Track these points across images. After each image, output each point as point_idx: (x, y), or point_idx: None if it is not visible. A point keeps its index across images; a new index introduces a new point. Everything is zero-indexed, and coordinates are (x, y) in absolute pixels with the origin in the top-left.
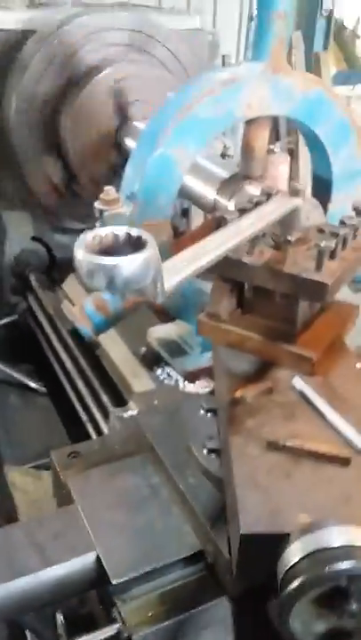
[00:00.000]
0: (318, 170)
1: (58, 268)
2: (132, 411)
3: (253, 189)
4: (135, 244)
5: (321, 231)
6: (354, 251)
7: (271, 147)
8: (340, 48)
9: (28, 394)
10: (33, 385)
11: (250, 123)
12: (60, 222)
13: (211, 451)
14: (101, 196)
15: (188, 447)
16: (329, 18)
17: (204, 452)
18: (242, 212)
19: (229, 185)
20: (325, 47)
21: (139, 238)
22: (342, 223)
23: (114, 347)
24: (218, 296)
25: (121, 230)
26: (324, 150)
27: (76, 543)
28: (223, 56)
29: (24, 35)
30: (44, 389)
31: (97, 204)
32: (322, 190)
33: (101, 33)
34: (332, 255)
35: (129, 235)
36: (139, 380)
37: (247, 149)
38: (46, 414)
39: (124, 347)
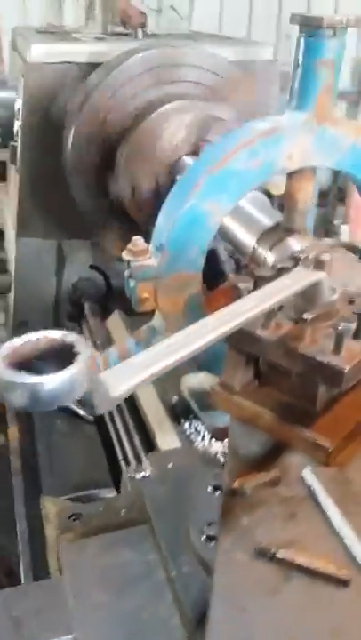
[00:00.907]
0: None
1: (114, 297)
2: (145, 472)
3: (296, 243)
4: (66, 354)
5: (352, 302)
6: None
7: None
8: None
9: (75, 421)
10: (81, 412)
11: (292, 174)
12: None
13: (209, 538)
14: (129, 246)
15: (187, 529)
16: None
17: (202, 538)
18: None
19: (270, 235)
20: None
21: (71, 347)
22: None
23: (144, 392)
24: (232, 365)
25: (50, 336)
26: None
27: (55, 622)
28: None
29: (90, 68)
30: (91, 417)
31: (124, 255)
32: None
33: (164, 69)
34: (357, 334)
35: (58, 342)
36: (163, 434)
37: (290, 201)
38: (91, 444)
39: (154, 393)
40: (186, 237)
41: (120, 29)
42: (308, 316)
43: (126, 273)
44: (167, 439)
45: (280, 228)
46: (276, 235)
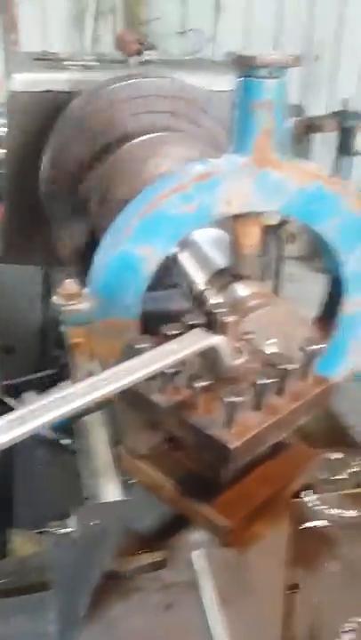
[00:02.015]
0: (330, 268)
1: None
2: (70, 528)
3: (241, 289)
4: None
5: (271, 365)
6: (293, 400)
7: None
8: None
9: (57, 449)
10: (62, 441)
11: (237, 218)
12: None
13: None
14: (59, 289)
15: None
16: None
17: None
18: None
19: (219, 279)
20: None
21: None
22: (303, 350)
23: (95, 430)
24: (135, 427)
25: None
26: (330, 250)
27: None
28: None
29: (71, 97)
30: (73, 447)
31: (55, 299)
32: (334, 289)
33: (142, 99)
34: (258, 405)
35: None
36: (105, 481)
37: (235, 247)
38: (71, 474)
39: (103, 432)
40: (119, 283)
41: (118, 56)
42: (199, 383)
43: (60, 317)
44: (109, 486)
45: (228, 272)
46: (224, 278)
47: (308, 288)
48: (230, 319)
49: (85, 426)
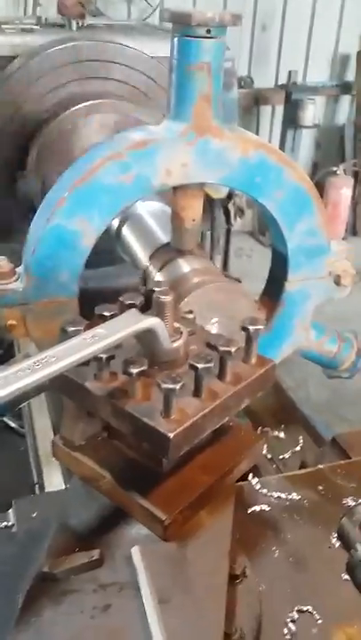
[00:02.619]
0: (275, 242)
1: None
2: (9, 520)
3: (185, 265)
4: None
5: (212, 347)
6: (234, 383)
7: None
8: None
9: (6, 432)
10: (13, 424)
11: (178, 190)
12: None
13: None
14: None
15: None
16: None
17: None
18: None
19: (162, 255)
20: None
21: None
22: (244, 329)
23: (39, 416)
24: (71, 416)
25: None
26: (276, 223)
27: None
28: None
29: (9, 61)
30: (23, 430)
31: None
32: (278, 266)
33: (79, 64)
34: (197, 390)
35: None
36: (49, 470)
37: (176, 220)
38: (22, 457)
39: (47, 418)
40: (53, 259)
41: (59, 20)
42: (135, 369)
43: None
44: (53, 476)
45: (171, 247)
46: (167, 254)
47: (258, 263)
48: (168, 299)
49: (30, 411)
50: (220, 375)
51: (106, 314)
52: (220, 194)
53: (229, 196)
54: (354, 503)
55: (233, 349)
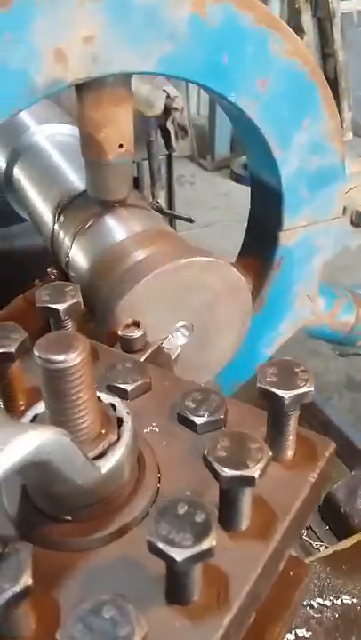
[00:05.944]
0: (257, 170)
1: None
2: None
3: (117, 227)
4: None
5: None
6: None
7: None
8: None
9: None
10: None
11: (85, 92)
12: None
13: None
14: None
15: None
16: None
17: None
18: None
19: (76, 212)
20: None
21: None
22: None
23: None
24: None
25: None
26: (259, 137)
27: None
28: None
29: None
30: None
31: None
32: (266, 209)
33: None
34: None
35: None
36: None
37: (90, 149)
38: None
39: None
40: None
41: None
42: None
43: None
44: None
45: (90, 199)
46: (86, 210)
47: (203, 191)
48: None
49: None
50: None
51: None
52: (154, 109)
53: (167, 111)
54: None
55: None
